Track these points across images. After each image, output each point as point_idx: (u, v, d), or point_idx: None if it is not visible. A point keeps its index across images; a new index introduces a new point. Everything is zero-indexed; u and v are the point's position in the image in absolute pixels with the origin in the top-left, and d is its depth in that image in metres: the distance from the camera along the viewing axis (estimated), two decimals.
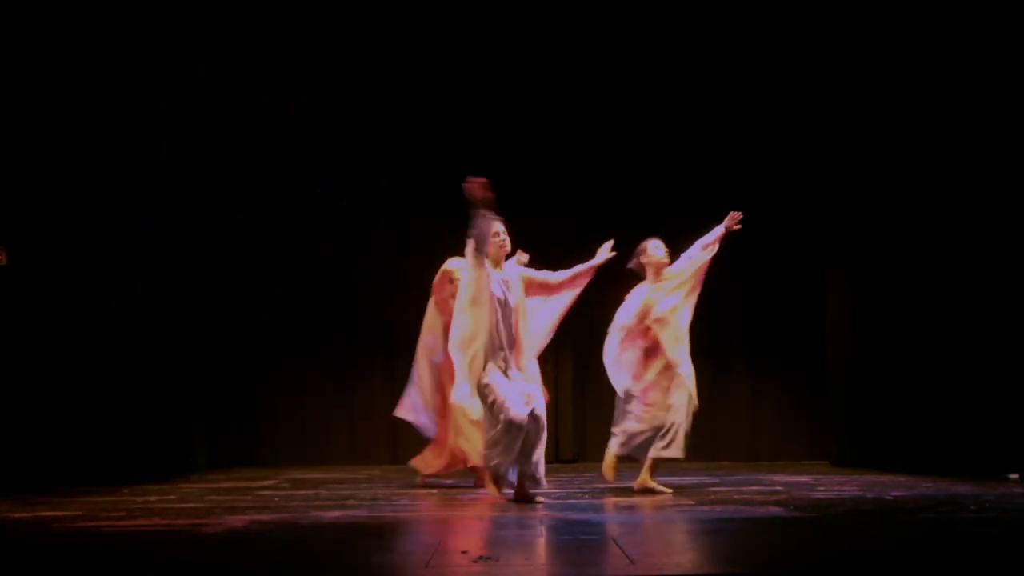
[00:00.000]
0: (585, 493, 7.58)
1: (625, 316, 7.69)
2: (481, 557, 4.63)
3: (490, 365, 6.82)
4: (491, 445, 6.81)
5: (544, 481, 6.92)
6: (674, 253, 8.17)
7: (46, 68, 8.69)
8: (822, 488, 7.64)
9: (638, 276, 7.92)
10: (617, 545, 4.93)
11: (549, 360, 9.10)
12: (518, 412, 6.64)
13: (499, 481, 7.07)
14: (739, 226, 7.88)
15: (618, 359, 7.62)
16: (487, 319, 6.83)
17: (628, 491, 7.57)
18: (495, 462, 6.83)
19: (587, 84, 10.70)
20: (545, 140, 10.70)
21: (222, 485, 8.35)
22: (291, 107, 10.56)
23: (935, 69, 9.22)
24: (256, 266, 10.58)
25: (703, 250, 7.89)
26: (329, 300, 10.61)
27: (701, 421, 10.62)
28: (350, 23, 10.41)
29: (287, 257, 10.67)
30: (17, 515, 6.34)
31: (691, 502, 6.79)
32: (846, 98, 9.98)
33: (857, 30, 9.78)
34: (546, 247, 8.25)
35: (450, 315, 7.29)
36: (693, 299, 7.79)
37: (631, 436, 7.52)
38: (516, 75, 10.62)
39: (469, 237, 6.86)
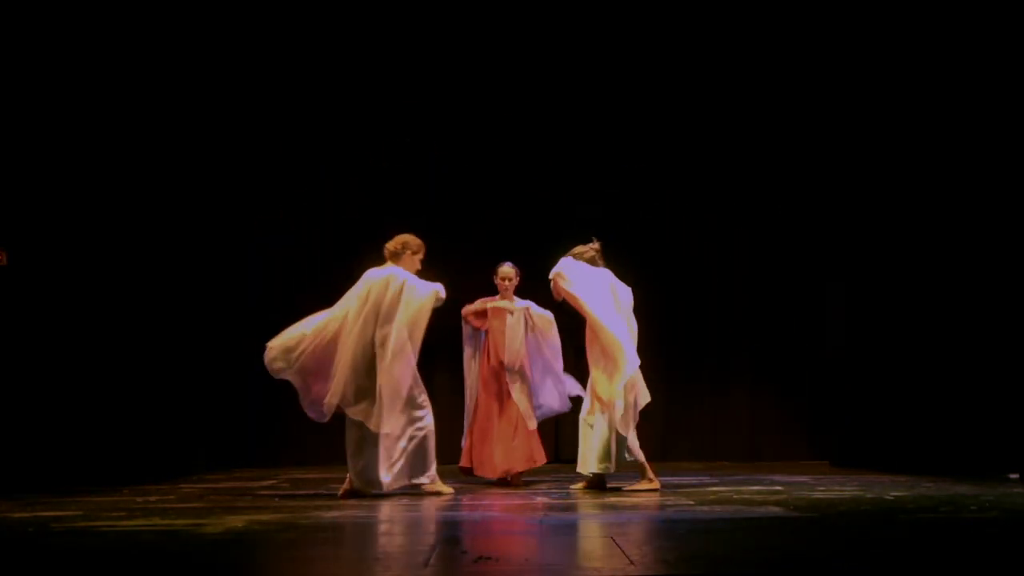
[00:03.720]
0: (586, 494, 7.58)
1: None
2: (481, 557, 4.64)
3: None
4: None
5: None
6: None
7: (48, 69, 8.69)
8: (822, 488, 7.65)
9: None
10: (617, 545, 4.93)
11: None
12: None
13: None
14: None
15: None
16: None
17: (629, 491, 7.58)
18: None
19: (583, 93, 10.75)
20: (543, 151, 10.76)
21: (222, 485, 8.36)
22: (288, 121, 10.65)
23: (926, 94, 9.32)
24: (257, 268, 10.60)
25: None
26: (330, 301, 10.60)
27: (702, 422, 10.73)
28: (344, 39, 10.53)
29: (288, 260, 10.70)
30: (17, 515, 6.33)
31: (691, 502, 6.79)
32: (846, 128, 10.13)
33: (857, 53, 9.86)
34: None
35: None
36: None
37: None
38: (505, 86, 10.70)
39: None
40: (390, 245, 7.62)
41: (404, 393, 7.27)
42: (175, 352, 9.63)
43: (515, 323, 8.21)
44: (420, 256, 7.64)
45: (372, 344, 7.31)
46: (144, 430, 9.08)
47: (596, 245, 7.95)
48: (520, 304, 8.38)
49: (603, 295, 7.69)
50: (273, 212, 10.64)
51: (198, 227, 10.06)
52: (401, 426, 7.26)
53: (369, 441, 7.27)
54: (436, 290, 7.42)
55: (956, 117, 9.18)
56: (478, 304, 8.37)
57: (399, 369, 7.24)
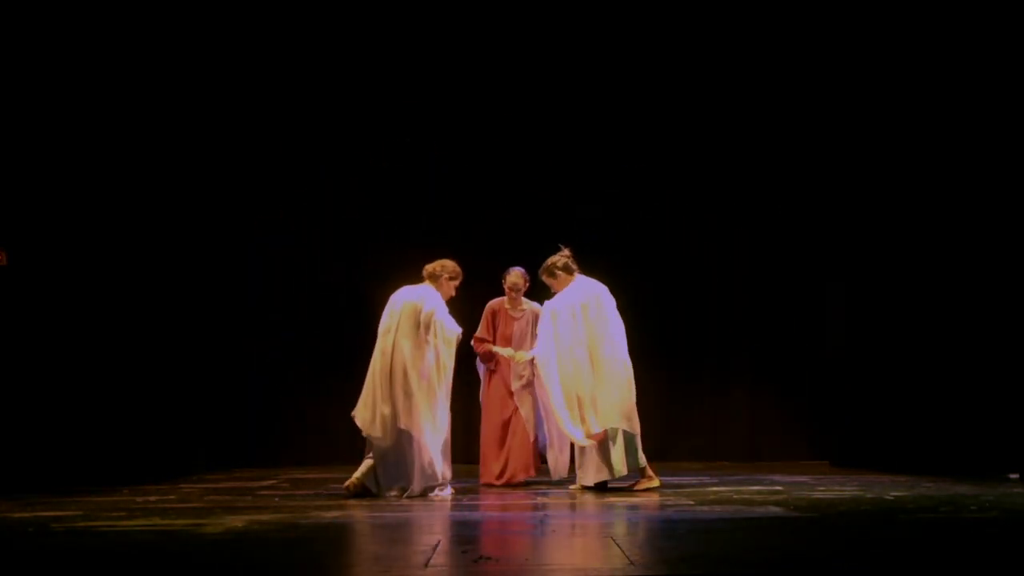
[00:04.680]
0: (585, 493, 7.58)
1: None
2: (481, 557, 4.64)
3: None
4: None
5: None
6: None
7: (48, 69, 8.69)
8: (822, 488, 7.65)
9: None
10: (617, 545, 4.93)
11: None
12: None
13: None
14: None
15: None
16: None
17: (628, 491, 7.58)
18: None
19: (582, 93, 10.74)
20: (543, 151, 10.76)
21: (222, 485, 8.36)
22: (288, 126, 10.67)
23: (926, 94, 9.32)
24: (257, 268, 10.60)
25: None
26: (330, 301, 10.64)
27: (702, 422, 10.73)
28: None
29: (288, 259, 10.70)
30: (17, 515, 6.34)
31: (691, 502, 6.79)
32: (846, 128, 10.11)
33: (857, 53, 9.85)
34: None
35: None
36: None
37: None
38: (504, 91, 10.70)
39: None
40: (429, 267, 7.77)
41: (432, 404, 7.36)
42: (175, 352, 9.62)
43: (520, 360, 8.31)
44: (456, 283, 7.82)
45: (400, 358, 7.41)
46: (144, 430, 9.08)
47: (567, 252, 7.99)
48: (528, 305, 8.42)
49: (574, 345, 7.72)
50: (273, 212, 10.64)
51: (198, 227, 10.05)
52: (427, 432, 7.31)
53: (401, 447, 7.33)
54: (458, 335, 7.60)
55: (956, 117, 9.17)
56: (484, 329, 8.42)
57: (427, 381, 7.36)
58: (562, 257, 7.97)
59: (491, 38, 10.60)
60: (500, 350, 8.30)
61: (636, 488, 7.61)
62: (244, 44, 10.34)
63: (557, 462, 8.16)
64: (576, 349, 7.67)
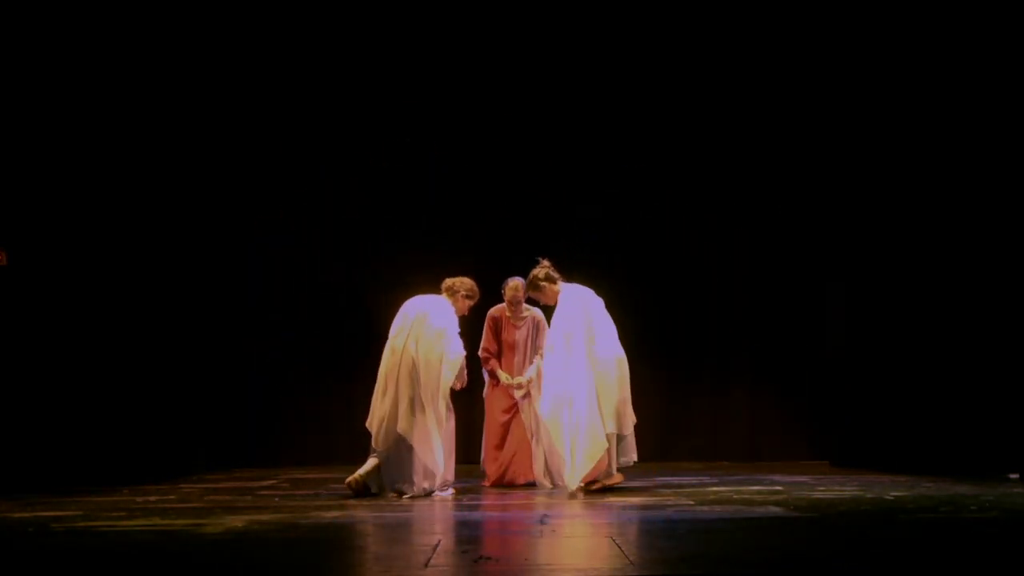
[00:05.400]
0: (583, 493, 7.58)
1: None
2: (481, 557, 4.64)
3: None
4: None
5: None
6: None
7: (48, 69, 8.69)
8: (822, 488, 7.65)
9: None
10: (617, 545, 4.94)
11: None
12: None
13: None
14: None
15: None
16: None
17: (628, 491, 7.58)
18: None
19: (582, 93, 10.75)
20: (543, 151, 10.76)
21: (222, 485, 8.36)
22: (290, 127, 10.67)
23: (926, 94, 9.32)
24: (257, 268, 10.60)
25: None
26: (330, 301, 10.64)
27: (702, 422, 10.74)
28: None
29: (288, 260, 10.70)
30: (17, 515, 6.34)
31: (691, 502, 6.79)
32: (846, 128, 10.12)
33: (857, 53, 9.85)
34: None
35: None
36: None
37: None
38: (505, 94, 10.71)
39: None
40: (448, 281, 7.85)
41: (433, 411, 7.40)
42: (175, 352, 9.62)
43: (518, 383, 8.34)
44: (471, 303, 7.89)
45: (407, 361, 7.46)
46: (144, 430, 9.08)
47: (546, 262, 7.99)
48: (530, 311, 8.44)
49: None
50: (273, 212, 10.65)
51: (198, 227, 10.06)
52: (425, 438, 7.34)
53: (399, 449, 7.36)
54: (460, 361, 7.54)
55: (955, 117, 9.18)
56: (489, 339, 8.43)
57: (428, 389, 7.41)
58: (542, 268, 7.97)
59: (490, 39, 10.60)
60: (502, 375, 8.31)
61: (596, 487, 7.52)
62: (244, 44, 10.35)
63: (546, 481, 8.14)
64: (577, 363, 7.65)
